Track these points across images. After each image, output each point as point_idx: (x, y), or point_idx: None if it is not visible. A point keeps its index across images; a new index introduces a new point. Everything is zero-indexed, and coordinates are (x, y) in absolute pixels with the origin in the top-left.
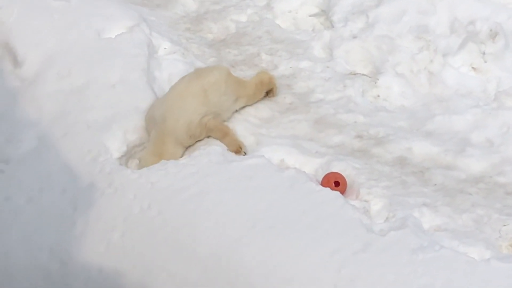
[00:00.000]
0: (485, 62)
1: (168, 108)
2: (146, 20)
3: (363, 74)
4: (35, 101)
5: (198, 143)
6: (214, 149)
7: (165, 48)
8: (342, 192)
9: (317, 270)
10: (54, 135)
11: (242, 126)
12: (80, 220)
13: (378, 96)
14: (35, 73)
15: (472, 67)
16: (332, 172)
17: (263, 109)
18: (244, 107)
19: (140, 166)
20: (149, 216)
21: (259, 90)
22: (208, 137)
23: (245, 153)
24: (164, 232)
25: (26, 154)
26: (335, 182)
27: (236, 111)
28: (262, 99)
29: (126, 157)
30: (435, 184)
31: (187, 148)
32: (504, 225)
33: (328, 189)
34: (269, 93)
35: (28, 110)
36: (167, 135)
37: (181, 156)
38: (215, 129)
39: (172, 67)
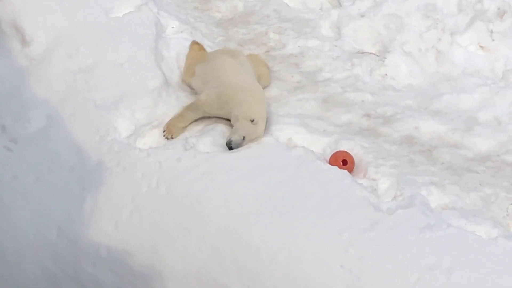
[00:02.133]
0: (493, 40)
1: (251, 78)
2: None
3: (371, 53)
4: (43, 81)
5: (204, 122)
6: (221, 128)
7: (173, 27)
8: (350, 171)
9: (325, 248)
10: (63, 115)
11: None
12: (88, 199)
13: (386, 74)
14: (43, 52)
15: (480, 46)
16: (340, 151)
17: (271, 88)
18: None
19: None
20: (157, 195)
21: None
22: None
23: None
24: (172, 211)
25: (34, 134)
26: (343, 161)
27: None
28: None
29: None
30: (443, 163)
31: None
32: None
33: (335, 168)
34: None
35: (36, 89)
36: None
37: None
38: None
39: (180, 46)
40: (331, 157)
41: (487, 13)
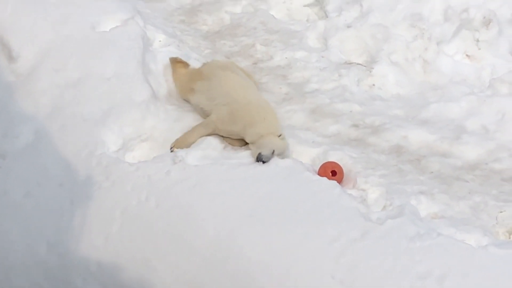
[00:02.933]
0: (479, 49)
1: (257, 92)
2: (140, 12)
3: (358, 63)
4: (31, 96)
5: None
6: (210, 141)
7: (160, 41)
8: (339, 181)
9: (316, 259)
10: (51, 129)
11: None
12: (78, 213)
13: (373, 85)
14: (30, 67)
15: (466, 55)
16: (329, 162)
17: None
18: None
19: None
20: (147, 208)
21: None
22: None
23: None
24: (163, 224)
25: (22, 149)
26: (332, 172)
27: None
28: None
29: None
30: (432, 172)
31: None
32: (501, 212)
33: (325, 178)
34: None
35: (24, 105)
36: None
37: None
38: None
39: (167, 59)
40: (320, 168)
41: (473, 22)
